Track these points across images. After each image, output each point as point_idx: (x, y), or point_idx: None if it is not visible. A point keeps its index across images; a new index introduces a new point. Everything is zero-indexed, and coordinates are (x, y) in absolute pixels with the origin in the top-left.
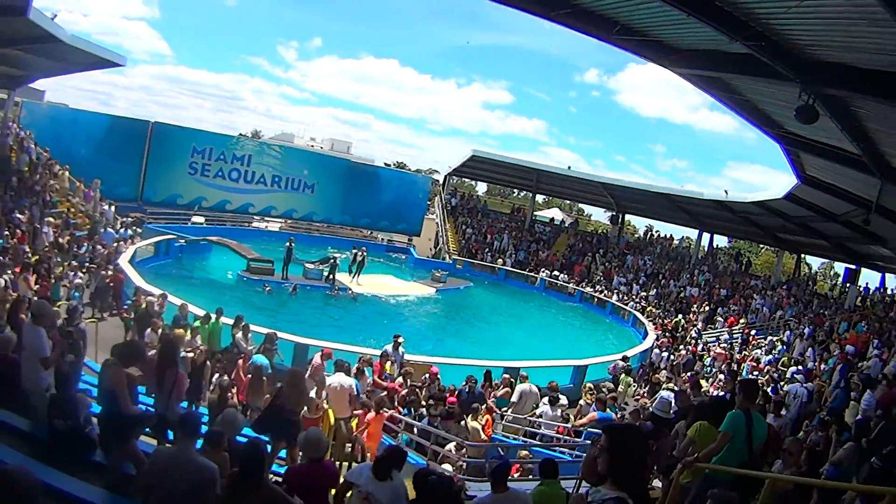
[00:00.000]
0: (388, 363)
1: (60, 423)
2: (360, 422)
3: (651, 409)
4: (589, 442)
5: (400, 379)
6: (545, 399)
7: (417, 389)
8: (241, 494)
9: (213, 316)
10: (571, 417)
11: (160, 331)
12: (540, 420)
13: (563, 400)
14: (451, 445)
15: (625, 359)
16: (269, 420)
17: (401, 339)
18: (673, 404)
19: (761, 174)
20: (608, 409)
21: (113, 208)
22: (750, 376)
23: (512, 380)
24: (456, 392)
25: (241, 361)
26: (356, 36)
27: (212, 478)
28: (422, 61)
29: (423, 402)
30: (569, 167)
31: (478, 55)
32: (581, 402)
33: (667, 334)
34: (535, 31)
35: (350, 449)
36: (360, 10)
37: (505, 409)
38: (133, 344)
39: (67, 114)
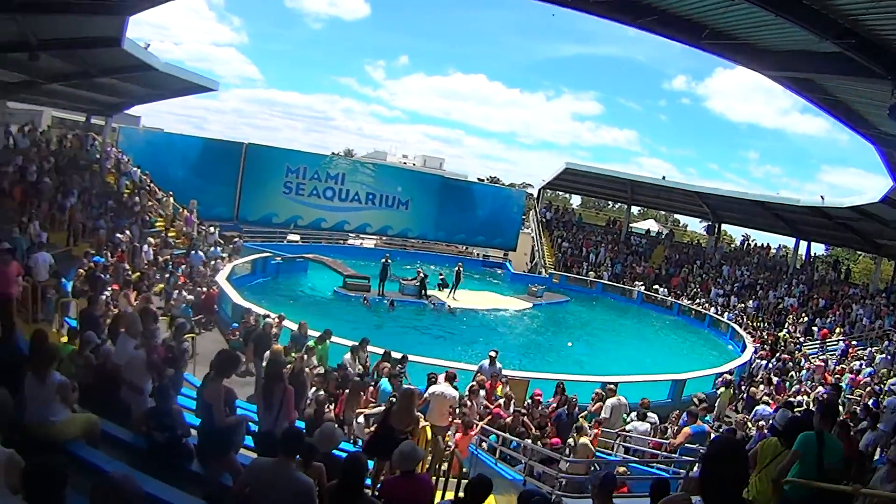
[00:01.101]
0: (500, 385)
1: (158, 435)
2: (454, 438)
3: (773, 422)
4: (687, 458)
5: (502, 401)
6: (633, 414)
7: (524, 418)
8: None
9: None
10: (670, 433)
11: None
12: (630, 434)
13: (654, 416)
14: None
15: (730, 372)
16: (380, 442)
17: (494, 354)
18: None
19: (857, 177)
20: (700, 422)
21: (216, 230)
22: (849, 389)
23: (603, 394)
24: (555, 416)
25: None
26: (442, 53)
27: (308, 492)
28: (509, 75)
29: (530, 433)
30: (663, 177)
31: (565, 67)
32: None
33: (765, 347)
34: (620, 39)
35: (447, 465)
36: (444, 27)
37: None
38: (228, 352)
39: (163, 137)
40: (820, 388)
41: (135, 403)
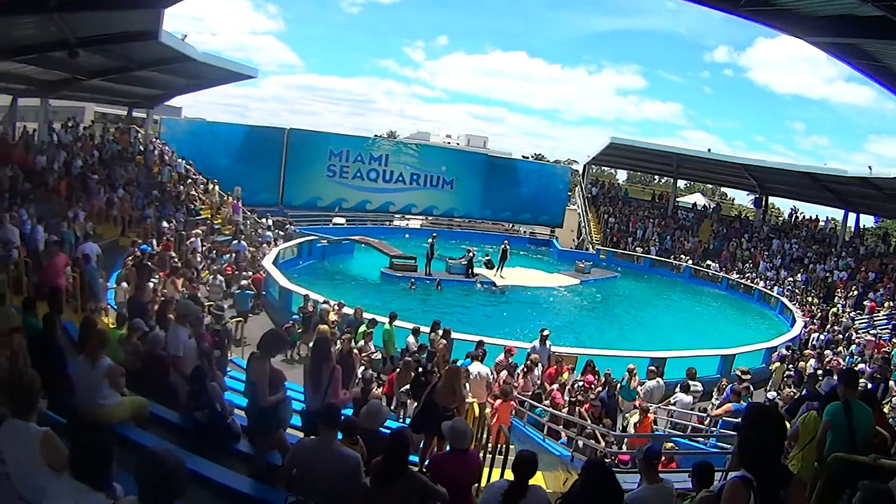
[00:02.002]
0: (566, 371)
1: (200, 415)
2: (491, 409)
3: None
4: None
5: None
6: (678, 387)
7: (580, 408)
8: (386, 483)
9: (387, 320)
10: (709, 408)
11: (341, 342)
12: (673, 408)
13: (698, 386)
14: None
15: (787, 347)
16: (424, 417)
17: (547, 333)
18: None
19: None
20: (743, 401)
21: (269, 220)
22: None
23: (633, 368)
24: (599, 398)
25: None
26: (481, 31)
27: (355, 466)
28: (550, 51)
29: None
30: (708, 150)
31: (605, 41)
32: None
33: (815, 321)
34: (660, 11)
35: (485, 438)
36: (481, 4)
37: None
38: (275, 331)
39: (205, 127)
40: (862, 365)
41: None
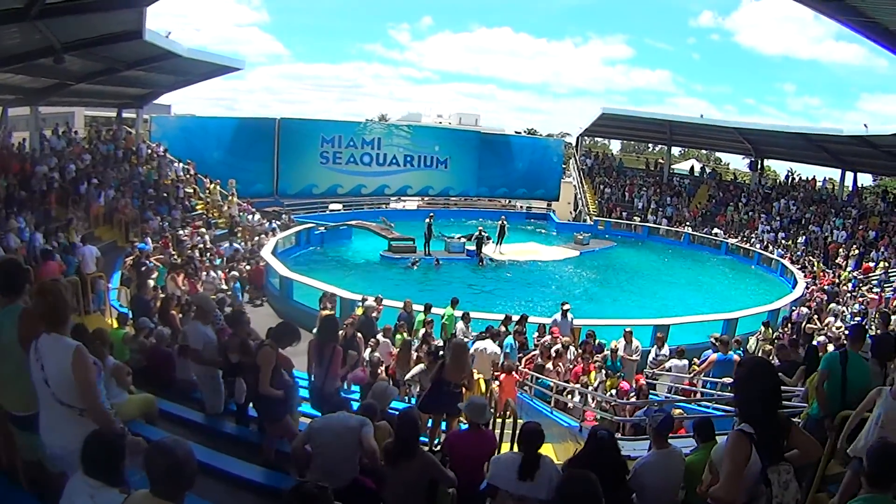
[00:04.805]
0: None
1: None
2: (498, 384)
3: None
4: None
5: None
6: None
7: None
8: (397, 463)
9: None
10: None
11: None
12: (669, 373)
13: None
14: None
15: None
16: (434, 396)
17: (568, 307)
18: None
19: None
20: (731, 352)
21: (257, 216)
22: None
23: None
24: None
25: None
26: (465, 8)
27: (360, 422)
28: (535, 25)
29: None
30: (701, 115)
31: (589, 11)
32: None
33: (817, 282)
34: None
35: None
36: None
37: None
38: (288, 324)
39: (196, 122)
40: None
41: (208, 386)
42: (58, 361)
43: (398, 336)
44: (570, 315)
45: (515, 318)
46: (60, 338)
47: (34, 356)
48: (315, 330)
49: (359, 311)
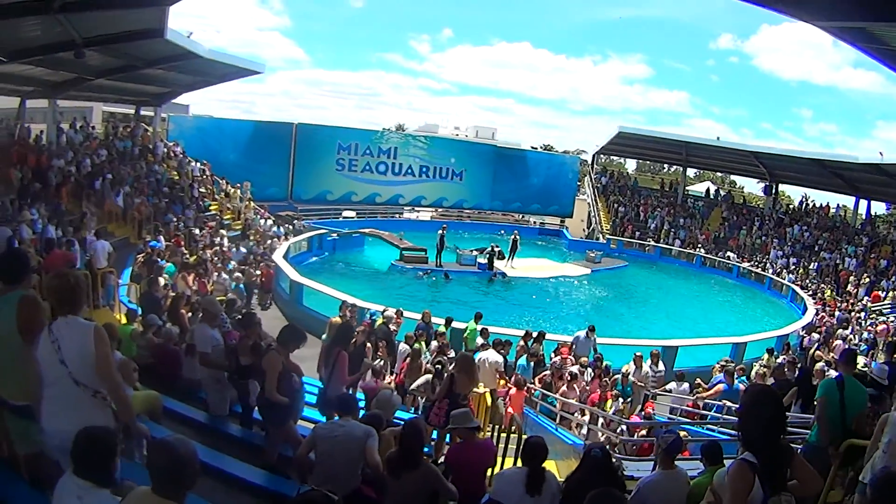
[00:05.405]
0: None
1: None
2: (505, 396)
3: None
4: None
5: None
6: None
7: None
8: (399, 473)
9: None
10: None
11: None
12: (670, 394)
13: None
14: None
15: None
16: (451, 411)
17: (592, 327)
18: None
19: None
20: (737, 381)
21: (269, 221)
22: None
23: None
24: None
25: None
26: (485, 22)
27: (366, 433)
28: (554, 41)
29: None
30: (717, 138)
31: (609, 30)
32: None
33: (826, 309)
34: None
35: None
36: None
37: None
38: (293, 326)
39: (213, 123)
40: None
41: (213, 388)
42: (77, 341)
43: (416, 345)
44: (593, 336)
45: (534, 334)
46: (76, 319)
47: (49, 339)
48: (324, 335)
49: (379, 321)
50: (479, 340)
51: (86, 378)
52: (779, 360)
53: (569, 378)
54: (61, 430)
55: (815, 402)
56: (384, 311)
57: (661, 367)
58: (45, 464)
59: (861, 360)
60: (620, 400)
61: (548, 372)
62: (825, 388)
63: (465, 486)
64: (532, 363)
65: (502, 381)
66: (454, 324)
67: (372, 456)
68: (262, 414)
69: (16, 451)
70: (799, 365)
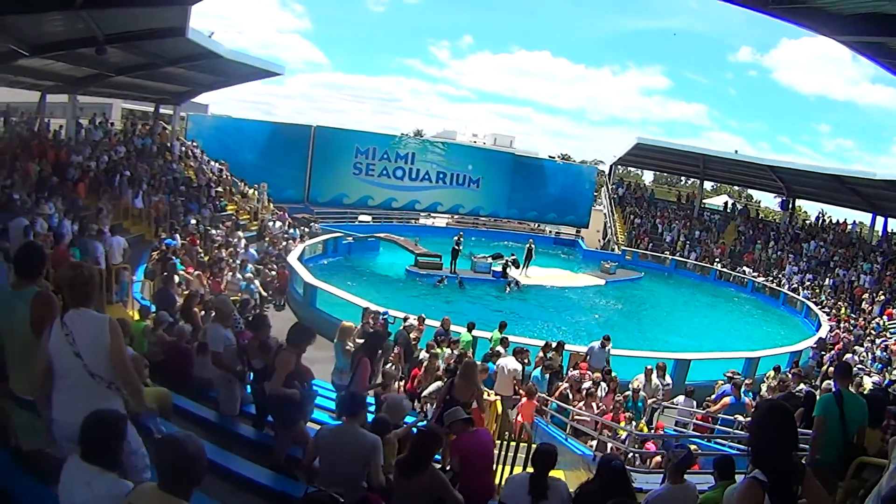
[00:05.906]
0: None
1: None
2: (517, 406)
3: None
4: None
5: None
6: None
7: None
8: (406, 477)
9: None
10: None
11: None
12: (676, 407)
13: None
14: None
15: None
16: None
17: (607, 337)
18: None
19: None
20: (743, 395)
21: (278, 224)
22: None
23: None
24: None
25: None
26: (506, 30)
27: (373, 445)
28: (574, 51)
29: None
30: (735, 151)
31: (629, 41)
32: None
33: (840, 325)
34: (682, 11)
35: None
36: (505, 3)
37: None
38: (302, 325)
39: (232, 123)
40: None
41: (224, 388)
42: (91, 333)
43: (434, 351)
44: (608, 346)
45: (553, 344)
46: (89, 311)
47: (62, 331)
48: (335, 339)
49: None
50: (499, 349)
51: (101, 369)
52: (787, 373)
53: (585, 395)
54: (74, 422)
55: (813, 419)
56: (405, 318)
57: (667, 379)
58: (49, 458)
59: (874, 379)
60: (633, 423)
61: (566, 384)
62: (823, 405)
63: (473, 482)
64: (548, 375)
65: (521, 391)
66: (474, 332)
67: (377, 476)
68: (273, 414)
69: (21, 445)
70: (808, 380)
